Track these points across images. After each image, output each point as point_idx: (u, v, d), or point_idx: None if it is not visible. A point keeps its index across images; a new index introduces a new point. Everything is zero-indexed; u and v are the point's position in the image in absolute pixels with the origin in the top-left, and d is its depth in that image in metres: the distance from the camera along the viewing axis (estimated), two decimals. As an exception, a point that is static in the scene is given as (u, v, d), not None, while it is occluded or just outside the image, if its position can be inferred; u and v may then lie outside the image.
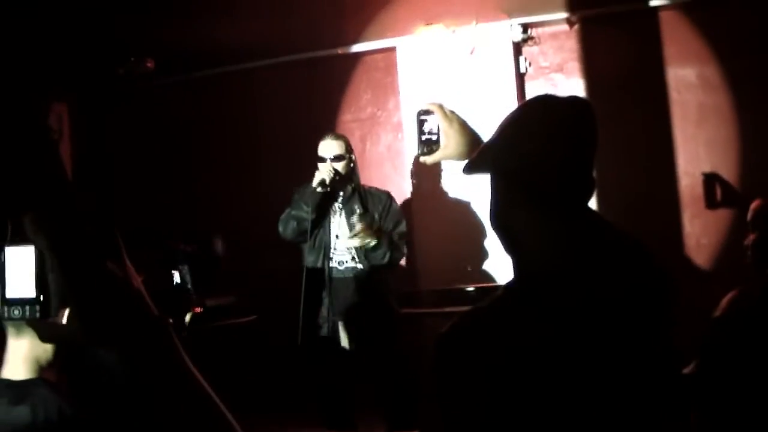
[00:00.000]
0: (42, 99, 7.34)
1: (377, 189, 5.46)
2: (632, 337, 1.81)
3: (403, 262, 5.68)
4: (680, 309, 1.95)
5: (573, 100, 2.05)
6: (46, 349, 1.64)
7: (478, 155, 2.04)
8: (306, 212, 5.15)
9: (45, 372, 1.68)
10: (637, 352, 1.81)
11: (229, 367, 5.24)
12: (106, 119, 7.52)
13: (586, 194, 1.97)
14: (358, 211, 5.22)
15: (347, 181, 5.25)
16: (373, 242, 5.09)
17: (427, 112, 2.32)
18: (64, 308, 1.20)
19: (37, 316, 1.22)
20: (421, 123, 2.33)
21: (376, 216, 5.26)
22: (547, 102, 2.07)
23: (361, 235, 5.07)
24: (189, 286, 3.83)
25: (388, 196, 5.39)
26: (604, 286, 1.82)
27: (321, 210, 5.21)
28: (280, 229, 5.27)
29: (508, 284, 1.92)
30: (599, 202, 5.91)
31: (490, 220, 2.02)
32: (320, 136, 5.22)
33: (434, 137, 2.31)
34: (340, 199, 5.28)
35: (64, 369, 1.70)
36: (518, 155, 1.94)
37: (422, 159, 2.35)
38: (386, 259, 5.14)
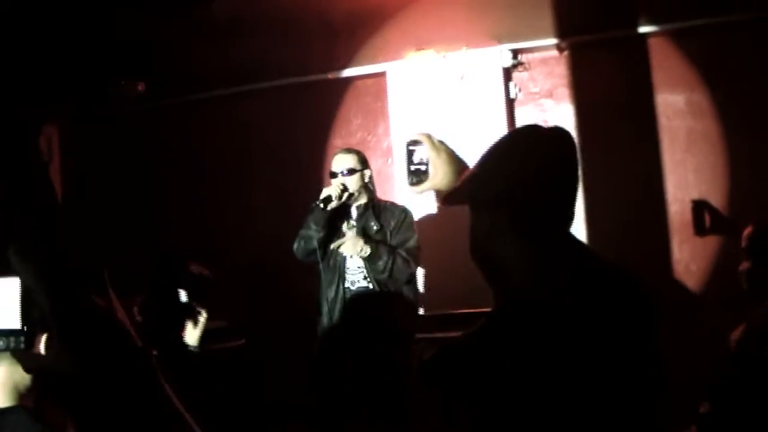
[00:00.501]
0: (32, 121, 7.33)
1: (393, 203, 5.29)
2: (617, 364, 1.81)
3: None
4: (668, 335, 1.95)
5: (556, 130, 2.06)
6: (24, 376, 1.64)
7: (462, 185, 2.05)
8: (314, 230, 4.95)
9: (24, 399, 1.67)
10: (622, 378, 1.81)
11: (220, 389, 5.22)
12: (96, 141, 7.51)
13: (569, 222, 1.98)
14: (374, 227, 5.05)
15: (361, 196, 5.07)
16: (367, 250, 4.89)
17: (416, 143, 2.32)
18: (42, 336, 1.20)
19: (22, 347, 1.21)
20: (410, 153, 2.33)
21: (388, 231, 5.06)
22: (530, 132, 2.08)
23: (350, 244, 4.91)
24: (194, 304, 3.88)
25: (403, 210, 5.18)
26: (589, 313, 1.82)
27: (331, 228, 5.02)
28: (294, 248, 5.07)
29: (491, 313, 1.92)
30: (588, 226, 5.94)
31: (471, 250, 2.02)
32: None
33: (423, 167, 2.31)
34: (354, 216, 5.11)
35: (44, 395, 1.69)
36: (503, 185, 1.95)
37: (411, 189, 2.35)
38: (386, 272, 4.90)
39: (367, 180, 5.11)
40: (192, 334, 3.83)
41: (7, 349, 1.23)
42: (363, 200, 5.10)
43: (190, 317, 3.83)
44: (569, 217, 1.99)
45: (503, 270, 1.95)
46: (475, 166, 2.05)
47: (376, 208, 5.12)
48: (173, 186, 7.18)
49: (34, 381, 1.67)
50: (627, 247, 5.63)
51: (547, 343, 1.79)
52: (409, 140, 2.31)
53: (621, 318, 1.86)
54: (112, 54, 6.86)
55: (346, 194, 4.97)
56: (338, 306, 5.02)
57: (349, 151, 5.19)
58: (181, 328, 3.75)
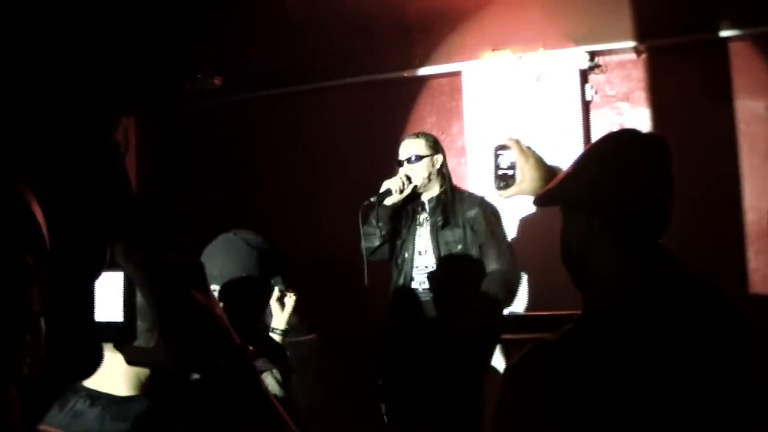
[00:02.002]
0: (110, 113, 7.45)
1: (471, 194, 4.79)
2: (704, 379, 1.79)
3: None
4: (754, 350, 1.93)
5: (653, 137, 2.06)
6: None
7: (557, 186, 2.05)
8: (374, 227, 4.57)
9: (145, 389, 1.71)
10: (709, 393, 1.79)
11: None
12: (172, 135, 7.61)
13: (661, 231, 1.97)
14: (447, 224, 4.56)
15: (431, 186, 4.67)
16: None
17: (504, 147, 2.33)
18: (152, 333, 1.23)
19: (126, 340, 1.25)
20: (497, 157, 2.34)
21: (464, 223, 4.56)
22: (629, 136, 2.08)
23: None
24: (282, 287, 3.93)
25: (481, 203, 4.65)
26: (677, 326, 1.81)
27: (396, 223, 4.66)
28: (361, 246, 4.69)
29: (579, 319, 1.92)
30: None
31: (562, 253, 2.02)
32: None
33: (510, 172, 2.32)
34: (427, 207, 4.70)
35: (164, 387, 1.73)
36: (598, 189, 1.95)
37: (498, 193, 2.35)
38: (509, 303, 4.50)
39: (438, 166, 4.68)
40: (280, 318, 3.87)
41: (110, 341, 1.26)
42: (435, 190, 4.70)
43: (278, 300, 3.88)
44: (662, 226, 1.98)
45: (593, 275, 1.95)
46: (570, 167, 2.05)
47: (450, 199, 4.66)
48: (244, 181, 7.25)
49: (154, 372, 1.71)
50: (702, 255, 5.51)
51: (633, 354, 1.78)
52: (497, 145, 2.32)
53: (709, 331, 1.84)
54: (189, 48, 6.95)
55: (410, 187, 4.57)
56: (405, 310, 4.65)
57: (417, 135, 4.77)
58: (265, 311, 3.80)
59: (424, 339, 4.55)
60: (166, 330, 1.19)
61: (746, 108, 5.83)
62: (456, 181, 5.01)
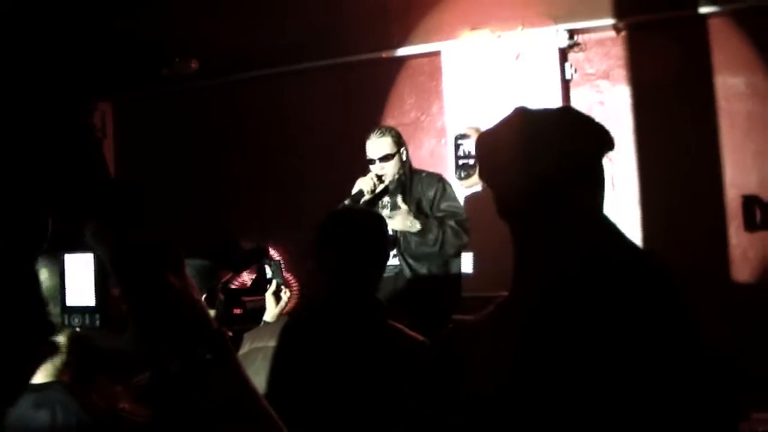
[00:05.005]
0: (86, 98, 7.40)
1: (429, 173, 4.97)
2: (636, 357, 1.72)
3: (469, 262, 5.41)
4: (725, 322, 1.88)
5: (558, 109, 2.01)
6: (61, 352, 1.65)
7: (479, 170, 2.00)
8: None
9: (61, 374, 1.68)
10: (643, 373, 1.72)
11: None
12: (149, 120, 7.57)
13: (595, 201, 1.88)
14: (407, 201, 4.71)
15: (397, 178, 4.79)
16: (416, 225, 4.59)
17: (465, 136, 2.28)
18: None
19: (97, 325, 1.20)
20: (457, 147, 2.29)
21: (424, 202, 4.77)
22: (526, 114, 2.00)
23: (399, 219, 4.57)
24: (278, 282, 3.95)
25: (439, 179, 4.88)
26: (609, 305, 1.74)
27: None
28: None
29: (501, 300, 1.89)
30: (643, 209, 5.87)
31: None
32: (362, 140, 5.01)
33: (471, 161, 2.26)
34: (388, 190, 4.81)
35: (83, 371, 1.69)
36: (491, 171, 1.91)
37: (459, 183, 2.30)
38: (437, 246, 4.59)
39: (404, 158, 4.86)
40: (272, 312, 3.86)
41: (82, 326, 1.21)
42: (398, 176, 4.84)
43: (274, 294, 3.88)
44: (593, 197, 1.89)
45: (518, 254, 1.90)
46: (480, 151, 2.00)
47: (408, 180, 4.83)
48: (223, 165, 7.21)
49: (70, 357, 1.67)
50: (683, 232, 5.56)
51: (544, 338, 1.73)
52: (457, 134, 2.27)
53: (642, 307, 1.76)
54: (165, 32, 6.89)
55: (381, 186, 4.75)
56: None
57: (382, 133, 4.87)
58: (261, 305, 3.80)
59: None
60: (139, 316, 1.11)
61: (726, 84, 5.81)
62: (436, 161, 5.01)
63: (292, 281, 4.01)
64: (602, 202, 1.88)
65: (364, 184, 4.69)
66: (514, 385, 1.74)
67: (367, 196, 4.69)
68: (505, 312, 1.86)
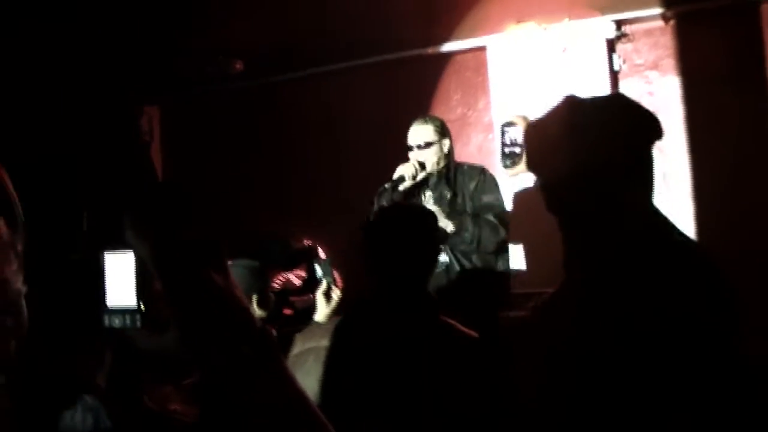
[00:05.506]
0: (135, 102, 7.46)
1: (471, 165, 4.90)
2: (677, 345, 1.69)
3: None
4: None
5: (610, 97, 1.99)
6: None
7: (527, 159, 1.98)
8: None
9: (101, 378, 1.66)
10: (690, 363, 1.69)
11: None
12: (197, 121, 7.60)
13: (640, 192, 1.85)
14: (448, 195, 4.69)
15: (439, 168, 4.75)
16: (450, 226, 4.49)
17: (510, 124, 2.26)
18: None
19: (138, 326, 1.18)
20: (503, 135, 2.27)
21: (466, 195, 4.69)
22: (577, 102, 1.97)
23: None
24: (330, 277, 3.98)
25: (482, 171, 4.79)
26: (655, 292, 1.71)
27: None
28: None
29: (553, 293, 1.87)
30: (695, 204, 5.77)
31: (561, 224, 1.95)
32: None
33: (517, 149, 2.25)
34: (430, 184, 4.77)
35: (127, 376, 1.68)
36: (548, 160, 1.88)
37: (505, 171, 2.28)
38: (474, 243, 4.52)
39: (446, 150, 4.80)
40: (323, 311, 3.84)
41: (123, 327, 1.19)
42: (440, 167, 4.78)
43: (324, 293, 3.87)
44: (644, 187, 1.86)
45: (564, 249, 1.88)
46: (529, 139, 1.98)
47: (451, 173, 4.77)
48: (270, 165, 7.21)
49: (112, 360, 1.65)
50: (737, 226, 5.45)
51: (592, 333, 1.70)
52: (503, 122, 2.25)
53: (692, 299, 1.73)
54: (209, 33, 6.92)
55: (422, 174, 4.69)
56: None
57: (425, 120, 4.86)
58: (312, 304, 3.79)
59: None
60: (182, 315, 1.10)
61: (779, 72, 5.69)
62: (483, 156, 4.97)
63: (339, 280, 3.99)
64: (652, 193, 1.85)
65: (405, 170, 4.65)
66: (563, 379, 1.71)
67: (408, 182, 4.64)
68: (553, 307, 1.84)
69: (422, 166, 4.69)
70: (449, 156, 4.82)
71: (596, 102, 1.97)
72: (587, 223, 1.82)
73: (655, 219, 1.84)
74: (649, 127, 1.86)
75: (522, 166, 2.09)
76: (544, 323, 1.83)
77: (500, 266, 4.79)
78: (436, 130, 4.79)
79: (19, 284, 0.87)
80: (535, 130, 1.95)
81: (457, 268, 4.66)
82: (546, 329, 1.81)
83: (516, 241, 5.42)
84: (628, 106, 1.90)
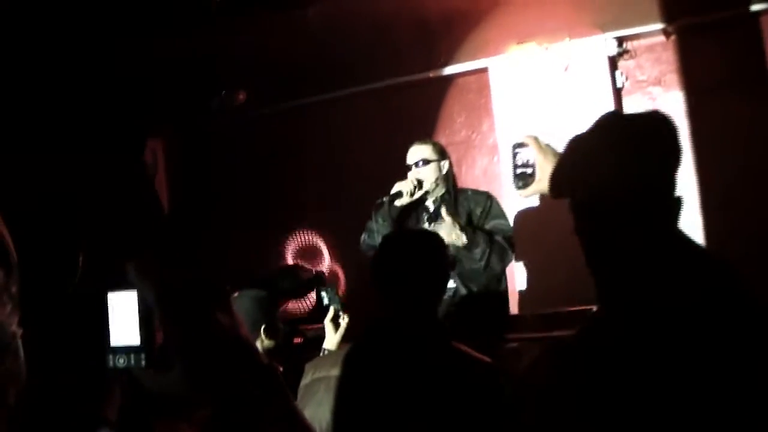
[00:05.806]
0: (138, 136, 7.46)
1: (475, 190, 4.94)
2: (719, 366, 1.68)
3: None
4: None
5: (647, 115, 1.99)
6: None
7: (552, 181, 1.98)
8: (380, 224, 4.65)
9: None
10: (725, 382, 1.69)
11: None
12: (201, 153, 7.60)
13: (672, 214, 1.86)
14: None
15: (437, 189, 4.73)
16: (463, 238, 4.42)
17: (522, 145, 2.26)
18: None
19: (143, 365, 1.16)
20: (515, 156, 2.27)
21: (473, 221, 4.67)
22: (617, 120, 1.99)
23: (446, 230, 4.35)
24: (336, 305, 3.99)
25: (488, 197, 4.79)
26: (692, 315, 1.70)
27: (401, 223, 4.68)
28: (360, 240, 4.90)
29: (595, 314, 1.84)
30: (703, 216, 5.74)
31: (586, 252, 1.93)
32: None
33: (529, 170, 2.24)
34: (431, 209, 4.76)
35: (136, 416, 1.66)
36: (591, 181, 1.87)
37: (518, 192, 2.28)
38: (483, 261, 4.45)
39: (444, 172, 4.77)
40: (332, 339, 3.83)
41: (127, 366, 1.17)
42: (440, 192, 4.76)
43: (332, 320, 3.86)
44: (672, 208, 1.86)
45: (600, 266, 1.86)
46: (563, 158, 1.98)
47: (454, 198, 4.75)
48: (275, 195, 7.20)
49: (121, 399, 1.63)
50: (743, 238, 5.42)
51: (651, 346, 1.68)
52: (515, 143, 2.26)
53: (725, 317, 1.73)
54: (211, 65, 6.93)
55: (420, 192, 4.67)
56: None
57: (424, 141, 4.88)
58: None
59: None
60: (186, 354, 1.10)
61: (784, 84, 5.67)
62: (489, 179, 4.96)
63: (346, 310, 3.99)
64: (679, 215, 1.87)
65: (403, 186, 4.63)
66: (595, 406, 1.69)
67: (405, 198, 4.62)
68: (596, 332, 1.82)
69: (420, 183, 4.68)
70: (448, 179, 4.81)
71: (637, 118, 1.99)
72: (625, 245, 1.81)
73: (687, 239, 1.86)
74: (679, 146, 1.89)
75: (535, 186, 2.07)
76: (588, 354, 1.80)
77: (501, 286, 4.77)
78: (434, 150, 4.80)
79: (14, 327, 0.86)
80: (578, 144, 1.96)
81: (464, 292, 4.62)
82: (591, 359, 1.77)
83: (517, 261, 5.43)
84: (664, 121, 1.91)
